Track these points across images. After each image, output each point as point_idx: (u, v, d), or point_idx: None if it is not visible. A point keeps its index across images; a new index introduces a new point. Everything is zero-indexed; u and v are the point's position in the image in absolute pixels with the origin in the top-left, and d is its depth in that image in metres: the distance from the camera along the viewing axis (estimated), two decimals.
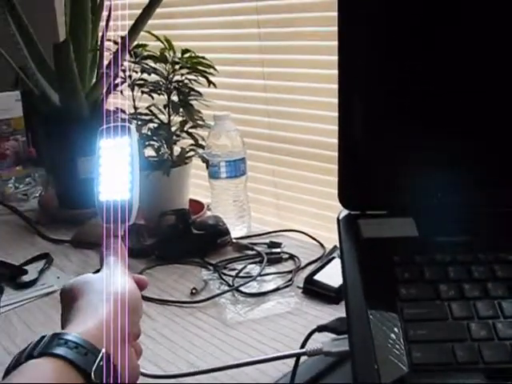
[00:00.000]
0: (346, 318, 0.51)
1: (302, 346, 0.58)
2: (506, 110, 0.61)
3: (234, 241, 1.00)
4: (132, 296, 0.52)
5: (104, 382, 0.44)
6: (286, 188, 1.23)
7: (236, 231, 1.04)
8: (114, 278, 0.52)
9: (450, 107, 0.61)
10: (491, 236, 0.58)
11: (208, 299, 0.83)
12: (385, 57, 0.61)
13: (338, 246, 0.59)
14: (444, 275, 0.55)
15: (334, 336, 0.57)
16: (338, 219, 0.62)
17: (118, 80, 1.05)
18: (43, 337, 0.45)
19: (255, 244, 1.00)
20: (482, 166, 0.62)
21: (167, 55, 1.00)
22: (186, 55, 1.00)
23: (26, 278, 0.93)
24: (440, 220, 0.61)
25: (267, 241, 1.01)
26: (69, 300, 0.51)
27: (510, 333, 0.49)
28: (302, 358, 0.61)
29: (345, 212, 0.63)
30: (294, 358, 0.59)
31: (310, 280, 0.84)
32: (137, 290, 0.53)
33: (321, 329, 0.60)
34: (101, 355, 0.44)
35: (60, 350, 0.43)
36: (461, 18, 0.59)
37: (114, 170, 0.58)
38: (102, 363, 0.44)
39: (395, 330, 0.50)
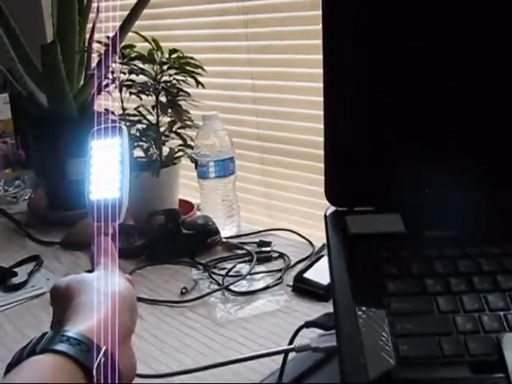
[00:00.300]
0: (334, 314, 0.51)
1: (290, 343, 0.58)
2: (491, 105, 0.61)
3: (224, 240, 1.00)
4: (130, 294, 0.53)
5: (109, 381, 0.44)
6: (277, 187, 1.23)
7: (226, 231, 1.04)
8: (110, 277, 0.53)
9: (434, 104, 0.61)
10: (477, 230, 0.59)
11: (198, 298, 0.83)
12: (370, 55, 0.61)
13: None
14: (430, 270, 0.55)
15: (321, 332, 0.58)
16: (325, 216, 0.62)
17: (107, 81, 1.06)
18: (45, 334, 0.45)
19: (245, 243, 1.00)
20: (469, 161, 0.62)
21: (155, 56, 1.00)
22: (174, 55, 1.01)
23: (15, 280, 0.92)
24: (427, 215, 0.61)
25: (257, 240, 1.01)
26: (65, 299, 0.51)
27: (496, 325, 0.49)
28: (291, 355, 0.61)
29: (332, 209, 0.63)
30: (283, 355, 0.59)
31: (299, 278, 0.84)
32: (132, 288, 0.54)
33: (309, 325, 0.60)
34: (103, 352, 0.44)
35: (62, 347, 0.43)
36: (448, 13, 0.59)
37: (105, 170, 0.59)
38: (103, 360, 0.44)
39: (382, 324, 0.50)
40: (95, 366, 0.43)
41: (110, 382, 0.44)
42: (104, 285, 0.51)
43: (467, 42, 0.60)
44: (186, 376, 0.63)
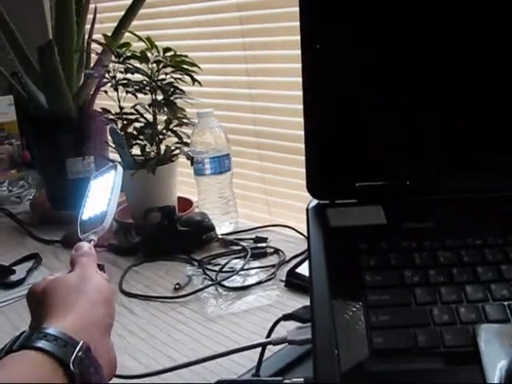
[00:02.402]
0: (310, 306, 0.52)
1: (268, 336, 0.59)
2: (470, 98, 0.61)
3: (220, 237, 1.00)
4: (106, 289, 0.53)
5: (89, 375, 0.45)
6: (275, 184, 1.23)
7: (224, 227, 1.05)
8: (85, 274, 0.53)
9: (414, 98, 0.61)
10: (458, 222, 0.59)
11: (190, 294, 0.83)
12: (348, 45, 0.61)
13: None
14: (409, 261, 0.55)
15: (299, 324, 0.58)
16: (307, 209, 0.63)
17: (103, 80, 1.06)
18: (23, 332, 0.46)
19: (241, 239, 1.01)
20: (450, 153, 0.62)
21: (149, 54, 1.01)
22: (168, 54, 1.01)
23: (13, 278, 0.94)
24: (408, 207, 0.61)
25: (254, 236, 1.01)
26: (42, 300, 0.51)
27: (473, 317, 0.49)
28: (275, 349, 0.62)
29: (314, 202, 0.63)
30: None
31: (292, 273, 0.84)
32: (108, 284, 0.55)
33: (286, 318, 0.60)
34: (80, 346, 0.45)
35: (39, 343, 0.44)
36: None
37: (98, 197, 0.64)
38: (80, 354, 0.45)
39: (358, 316, 0.50)
40: (72, 359, 0.44)
41: (89, 375, 0.45)
42: (79, 282, 0.52)
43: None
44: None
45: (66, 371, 0.44)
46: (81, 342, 0.45)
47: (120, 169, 0.65)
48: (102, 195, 0.64)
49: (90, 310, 0.49)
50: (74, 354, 0.44)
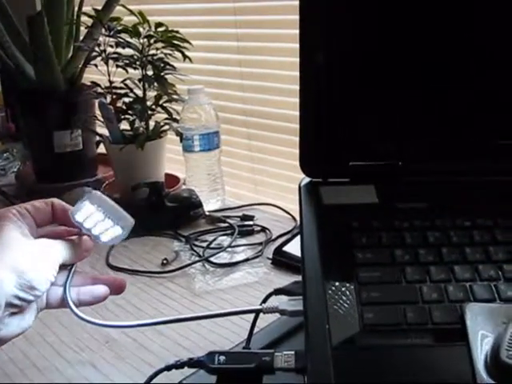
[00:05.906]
0: (302, 281, 0.52)
1: None
2: (471, 75, 0.61)
3: (207, 213, 1.01)
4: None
5: None
6: (263, 163, 1.23)
7: (210, 204, 1.05)
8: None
9: (409, 72, 0.61)
10: (449, 203, 0.59)
11: (178, 269, 0.84)
12: (344, 19, 0.61)
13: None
14: (400, 240, 0.55)
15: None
16: (299, 187, 0.63)
17: (93, 54, 1.05)
18: None
19: (228, 217, 1.01)
20: (443, 134, 0.63)
21: (140, 29, 1.00)
22: (160, 29, 1.00)
23: None
24: (400, 187, 0.62)
25: (241, 214, 1.02)
26: None
27: (460, 295, 0.50)
28: (265, 323, 0.63)
29: (307, 180, 0.64)
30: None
31: (279, 251, 0.85)
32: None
33: (277, 292, 0.61)
34: None
35: None
36: None
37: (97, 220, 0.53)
38: None
39: (349, 292, 0.51)
40: None
41: None
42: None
43: None
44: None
45: None
46: None
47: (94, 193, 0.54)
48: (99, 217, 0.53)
49: None
50: None
